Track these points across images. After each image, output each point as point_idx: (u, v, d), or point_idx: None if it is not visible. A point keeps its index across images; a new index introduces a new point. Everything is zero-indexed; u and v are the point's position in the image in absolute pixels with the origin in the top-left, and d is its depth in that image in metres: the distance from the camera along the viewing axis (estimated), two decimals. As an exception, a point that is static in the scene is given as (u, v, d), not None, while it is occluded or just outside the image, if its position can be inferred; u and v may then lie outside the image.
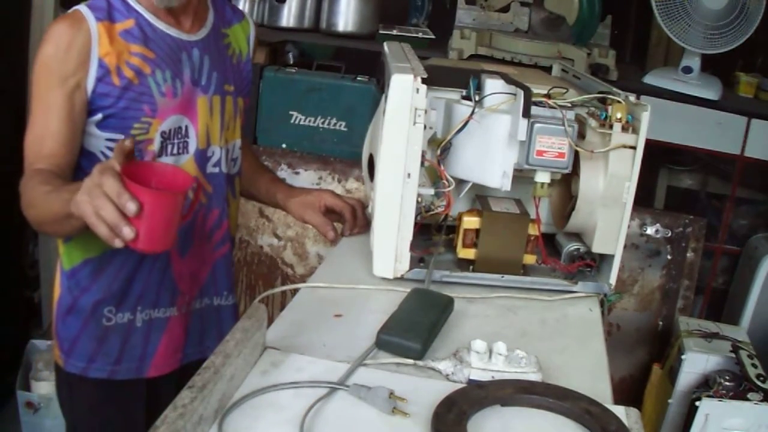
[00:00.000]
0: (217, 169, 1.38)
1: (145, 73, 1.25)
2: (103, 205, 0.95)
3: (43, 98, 1.22)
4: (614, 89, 1.26)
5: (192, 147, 1.33)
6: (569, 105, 1.17)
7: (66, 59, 1.20)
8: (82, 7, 1.23)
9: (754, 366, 2.01)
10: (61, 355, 1.37)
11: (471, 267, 1.26)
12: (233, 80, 1.41)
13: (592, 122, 1.22)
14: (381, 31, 2.93)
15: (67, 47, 1.20)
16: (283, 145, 2.91)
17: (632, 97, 1.22)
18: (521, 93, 1.13)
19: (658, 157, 2.88)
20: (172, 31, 1.31)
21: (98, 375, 1.35)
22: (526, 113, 1.13)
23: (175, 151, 1.31)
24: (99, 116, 1.24)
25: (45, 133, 1.22)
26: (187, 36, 1.33)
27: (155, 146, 1.28)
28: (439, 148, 1.22)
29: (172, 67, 1.29)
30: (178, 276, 1.38)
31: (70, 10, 1.25)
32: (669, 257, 2.55)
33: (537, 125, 1.13)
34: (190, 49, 1.33)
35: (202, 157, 1.35)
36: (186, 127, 1.32)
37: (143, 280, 1.34)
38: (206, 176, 1.37)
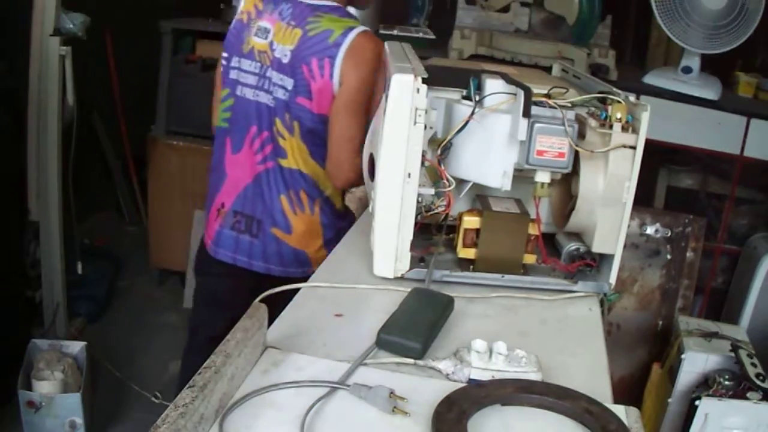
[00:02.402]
0: None
1: None
2: None
3: (371, 106, 1.61)
4: (614, 89, 1.26)
5: None
6: (569, 105, 1.17)
7: None
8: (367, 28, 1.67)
9: (754, 365, 2.01)
10: None
11: (471, 267, 1.26)
12: None
13: (592, 122, 1.22)
14: (381, 31, 2.93)
15: None
16: (284, 145, 2.90)
17: (632, 97, 1.22)
18: (521, 93, 1.14)
19: (658, 157, 2.89)
20: None
21: None
22: (527, 113, 1.13)
23: None
24: None
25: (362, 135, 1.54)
26: None
27: None
28: (439, 148, 1.22)
29: None
30: None
31: (360, 30, 1.64)
32: (669, 257, 2.55)
33: (537, 125, 1.14)
34: None
35: None
36: None
37: None
38: None
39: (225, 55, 1.79)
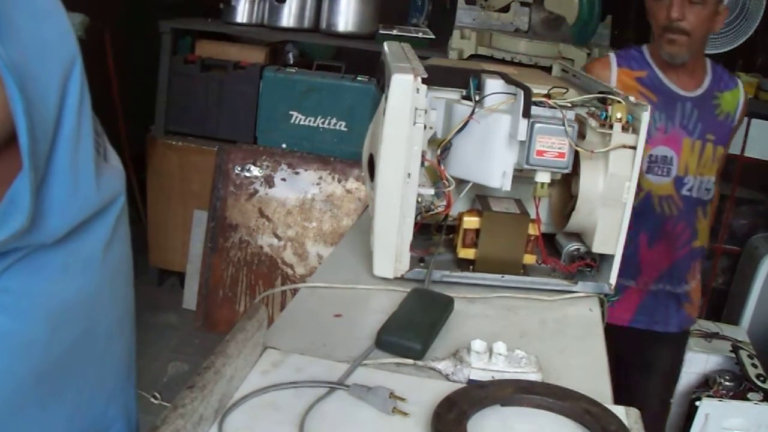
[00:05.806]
0: (689, 194, 1.81)
1: None
2: None
3: None
4: (614, 89, 1.26)
5: (673, 173, 1.79)
6: (569, 105, 1.17)
7: None
8: (611, 54, 1.84)
9: (754, 366, 2.01)
10: None
11: (471, 267, 1.26)
12: (716, 132, 1.82)
13: (592, 122, 1.22)
14: (381, 31, 2.93)
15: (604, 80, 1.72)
16: (283, 145, 2.91)
17: (632, 97, 1.22)
18: (521, 93, 1.13)
19: (658, 157, 2.88)
20: (673, 86, 1.80)
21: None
22: (527, 113, 1.12)
23: (659, 172, 1.79)
24: None
25: None
26: (684, 92, 1.81)
27: (644, 166, 1.76)
28: (439, 148, 1.22)
29: (667, 111, 1.78)
30: (643, 260, 1.83)
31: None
32: (669, 257, 2.54)
33: (537, 125, 1.13)
34: (684, 102, 1.80)
35: (679, 182, 1.80)
36: (671, 157, 1.78)
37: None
38: (680, 196, 1.81)
39: None
